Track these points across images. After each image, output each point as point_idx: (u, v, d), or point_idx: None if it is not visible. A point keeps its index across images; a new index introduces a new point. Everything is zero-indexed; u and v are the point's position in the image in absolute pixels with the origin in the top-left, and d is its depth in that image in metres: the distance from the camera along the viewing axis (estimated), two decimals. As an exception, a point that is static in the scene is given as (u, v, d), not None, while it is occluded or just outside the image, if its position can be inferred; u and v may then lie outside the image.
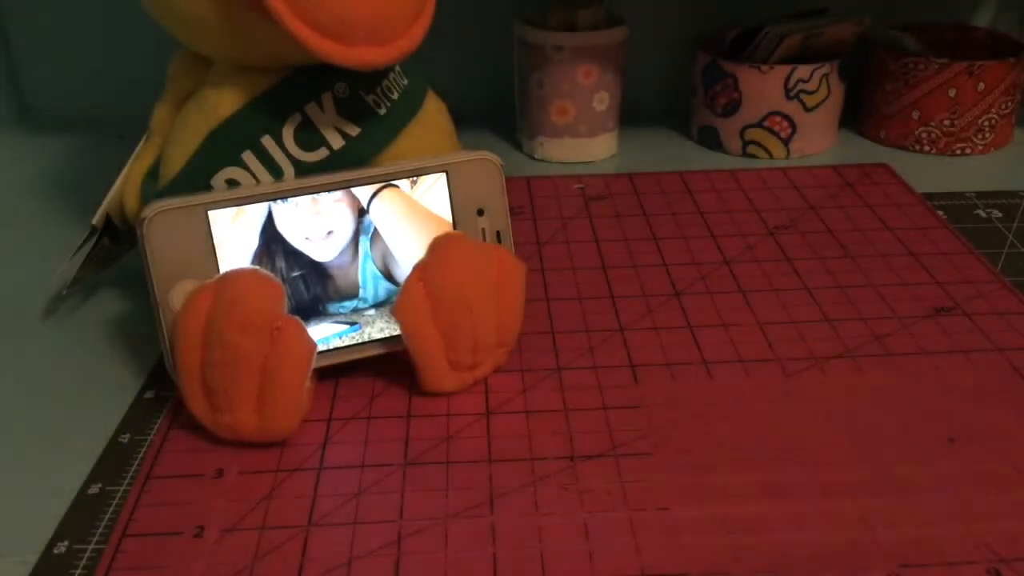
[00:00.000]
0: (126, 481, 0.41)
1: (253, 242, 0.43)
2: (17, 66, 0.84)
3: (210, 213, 0.42)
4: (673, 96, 0.83)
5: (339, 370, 0.47)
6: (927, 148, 0.75)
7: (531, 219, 0.64)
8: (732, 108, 0.74)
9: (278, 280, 0.42)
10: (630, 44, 0.73)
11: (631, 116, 0.78)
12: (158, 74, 0.50)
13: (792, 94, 0.72)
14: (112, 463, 0.42)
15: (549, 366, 0.48)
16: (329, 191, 0.44)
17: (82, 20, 0.81)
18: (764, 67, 0.71)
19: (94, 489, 0.41)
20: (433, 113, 0.51)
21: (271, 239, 0.44)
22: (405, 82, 0.49)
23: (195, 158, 0.45)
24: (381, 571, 0.36)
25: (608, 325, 0.52)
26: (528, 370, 0.48)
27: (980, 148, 0.74)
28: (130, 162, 0.50)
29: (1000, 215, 0.64)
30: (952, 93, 0.72)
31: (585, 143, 0.74)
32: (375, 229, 0.45)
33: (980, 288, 0.54)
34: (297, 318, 0.42)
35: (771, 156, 0.74)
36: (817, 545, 0.37)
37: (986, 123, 0.73)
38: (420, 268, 0.44)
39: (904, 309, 0.52)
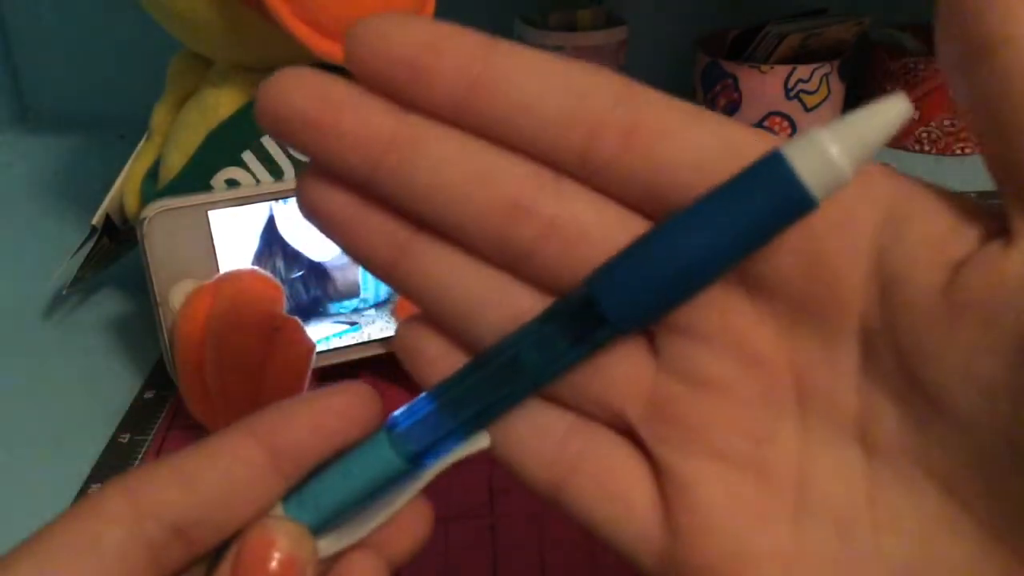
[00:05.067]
0: (126, 481, 0.41)
1: (253, 242, 0.44)
2: (17, 66, 0.84)
3: (210, 213, 0.42)
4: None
5: (339, 370, 0.47)
6: (927, 148, 0.75)
7: (531, 219, 0.64)
8: (732, 108, 0.74)
9: (278, 280, 0.42)
10: (630, 44, 0.73)
11: (631, 116, 0.78)
12: (158, 74, 0.50)
13: (792, 94, 0.72)
14: (112, 463, 0.42)
15: (549, 366, 0.48)
16: (329, 191, 0.44)
17: (82, 20, 0.81)
18: (764, 67, 0.71)
19: (94, 489, 0.41)
20: (433, 113, 0.51)
21: (271, 239, 0.44)
22: (405, 82, 0.49)
23: (195, 158, 0.45)
24: (381, 571, 0.36)
25: (608, 325, 0.51)
26: (528, 370, 0.48)
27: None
28: (130, 162, 0.50)
29: (1000, 215, 0.64)
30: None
31: (585, 143, 0.74)
32: (375, 229, 0.45)
33: (980, 288, 0.54)
34: (296, 318, 0.42)
35: (771, 156, 0.74)
36: (817, 545, 0.37)
37: (986, 123, 0.73)
38: (420, 268, 0.44)
39: (904, 309, 0.52)
